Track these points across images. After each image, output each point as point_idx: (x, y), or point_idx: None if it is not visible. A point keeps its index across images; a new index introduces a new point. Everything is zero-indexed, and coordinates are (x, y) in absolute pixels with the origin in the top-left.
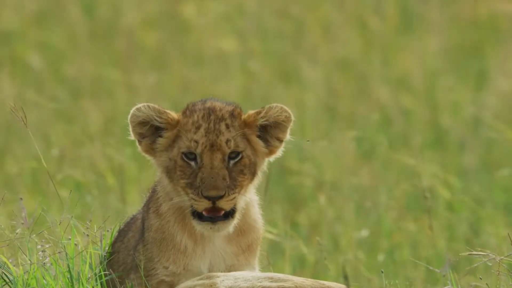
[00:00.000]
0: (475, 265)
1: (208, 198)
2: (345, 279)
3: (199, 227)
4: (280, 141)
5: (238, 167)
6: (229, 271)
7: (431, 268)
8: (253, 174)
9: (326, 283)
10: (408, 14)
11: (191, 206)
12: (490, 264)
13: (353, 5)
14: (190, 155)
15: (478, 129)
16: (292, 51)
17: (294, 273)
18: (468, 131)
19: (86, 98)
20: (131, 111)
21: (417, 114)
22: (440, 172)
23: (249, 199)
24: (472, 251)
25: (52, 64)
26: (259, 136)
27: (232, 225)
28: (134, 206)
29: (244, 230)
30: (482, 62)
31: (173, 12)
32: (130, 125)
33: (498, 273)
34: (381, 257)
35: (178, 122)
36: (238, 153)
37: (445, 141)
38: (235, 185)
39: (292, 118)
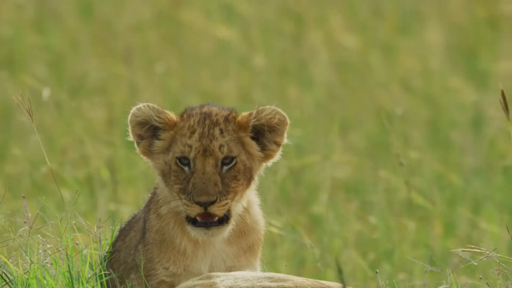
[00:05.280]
0: (474, 262)
1: (199, 203)
2: (340, 274)
3: (193, 232)
4: (278, 145)
5: (232, 173)
6: (230, 272)
7: (430, 267)
8: (249, 180)
9: (326, 283)
10: (408, 14)
11: (185, 211)
12: (475, 263)
13: (353, 5)
14: (184, 160)
15: (479, 129)
16: (292, 50)
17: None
18: (468, 131)
19: (86, 98)
20: (131, 111)
21: (417, 114)
22: (440, 172)
23: (248, 200)
24: (466, 249)
25: (52, 65)
26: (255, 140)
27: (227, 231)
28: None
29: (244, 231)
30: (482, 61)
31: (172, 11)
32: (129, 125)
33: (498, 273)
34: (380, 257)
35: (175, 124)
36: (231, 159)
37: (445, 141)
38: (227, 191)
39: (288, 121)
